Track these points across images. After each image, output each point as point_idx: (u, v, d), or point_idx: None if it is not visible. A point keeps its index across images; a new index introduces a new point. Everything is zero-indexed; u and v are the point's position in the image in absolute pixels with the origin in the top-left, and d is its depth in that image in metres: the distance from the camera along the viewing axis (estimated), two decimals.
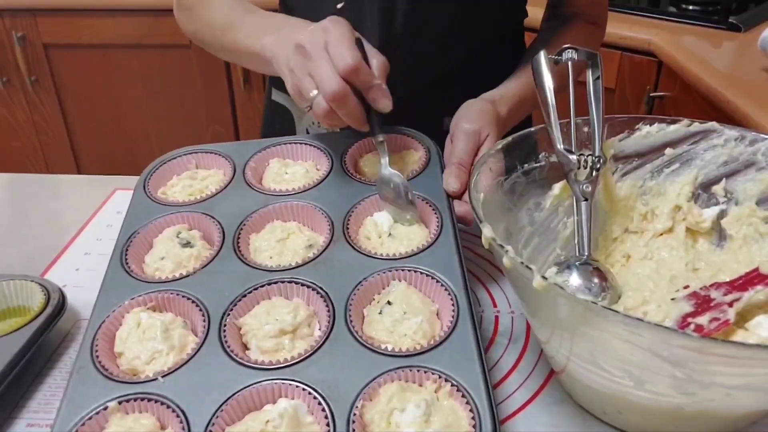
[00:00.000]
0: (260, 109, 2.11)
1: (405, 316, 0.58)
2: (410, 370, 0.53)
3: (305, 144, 0.79)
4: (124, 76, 2.06)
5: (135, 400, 0.53)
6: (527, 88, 0.81)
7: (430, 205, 0.69)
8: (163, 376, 0.54)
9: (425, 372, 0.53)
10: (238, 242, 0.67)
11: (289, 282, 0.62)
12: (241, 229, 0.68)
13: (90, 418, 0.51)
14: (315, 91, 0.65)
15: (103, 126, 2.16)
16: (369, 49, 0.68)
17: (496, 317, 0.70)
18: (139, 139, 2.18)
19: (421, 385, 0.53)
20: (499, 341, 0.67)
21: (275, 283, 0.62)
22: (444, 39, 0.87)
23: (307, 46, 0.65)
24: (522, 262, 0.49)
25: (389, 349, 0.55)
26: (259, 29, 0.77)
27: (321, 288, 0.61)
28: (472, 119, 0.73)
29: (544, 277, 0.47)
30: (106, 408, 0.52)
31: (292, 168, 0.76)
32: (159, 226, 0.70)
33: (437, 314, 0.60)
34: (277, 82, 0.96)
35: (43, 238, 0.85)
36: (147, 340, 0.57)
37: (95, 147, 2.22)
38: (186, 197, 0.74)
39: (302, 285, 0.61)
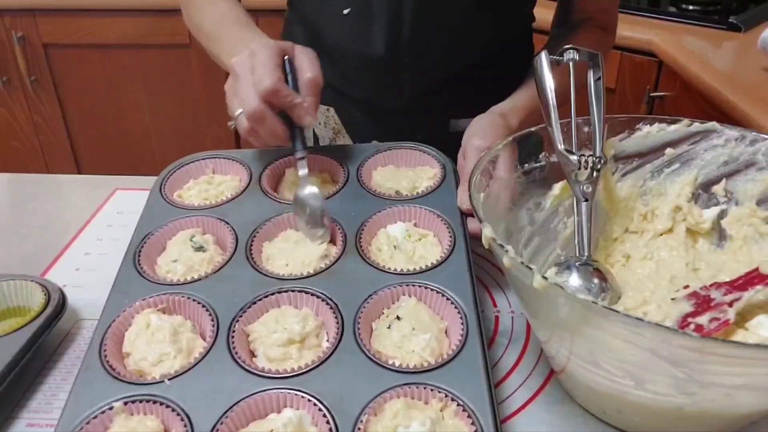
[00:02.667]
0: None
1: (413, 332, 0.57)
2: (416, 387, 0.52)
3: (321, 155, 0.79)
4: (124, 76, 2.06)
5: (140, 401, 0.52)
6: (537, 98, 0.81)
7: (443, 222, 0.68)
8: (169, 379, 0.54)
9: (431, 390, 0.52)
10: (250, 249, 0.67)
11: (300, 291, 0.62)
12: (255, 236, 0.68)
13: (95, 417, 0.51)
14: (240, 110, 0.68)
15: (103, 126, 2.16)
16: (303, 65, 0.70)
17: (496, 317, 0.70)
18: (139, 139, 2.18)
19: (426, 403, 0.52)
20: (499, 341, 0.67)
21: (285, 291, 0.62)
22: (451, 44, 0.87)
23: (236, 69, 0.69)
24: (522, 262, 0.49)
25: (396, 364, 0.54)
26: (235, 47, 0.78)
27: (331, 299, 0.60)
28: (484, 135, 0.73)
29: (544, 277, 0.47)
30: (111, 408, 0.52)
31: None
32: (173, 228, 0.70)
33: (446, 332, 0.59)
34: None
35: (43, 238, 0.85)
36: (155, 342, 0.57)
37: (95, 147, 2.22)
38: (201, 201, 0.74)
39: (312, 295, 0.61)
